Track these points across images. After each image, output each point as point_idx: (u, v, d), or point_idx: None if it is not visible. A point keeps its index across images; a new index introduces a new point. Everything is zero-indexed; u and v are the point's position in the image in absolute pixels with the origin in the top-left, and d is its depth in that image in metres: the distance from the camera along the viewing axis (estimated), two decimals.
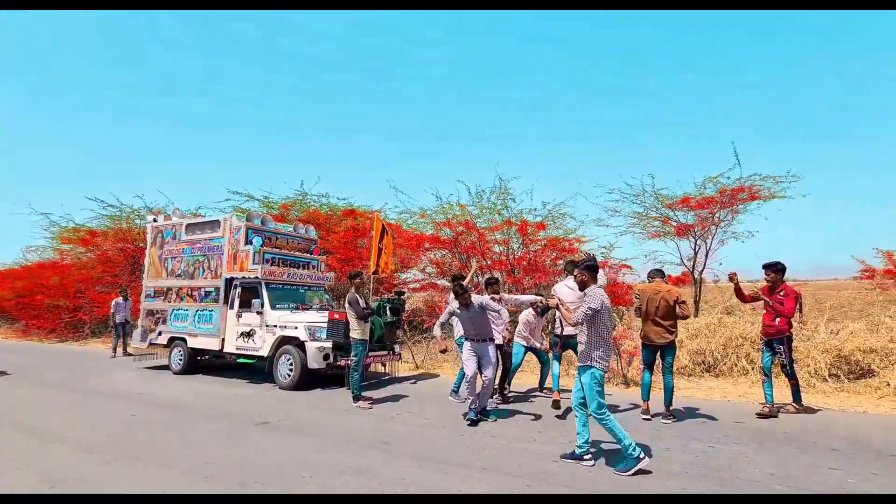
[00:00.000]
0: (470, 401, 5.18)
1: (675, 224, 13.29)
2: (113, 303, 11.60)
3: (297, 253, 8.85)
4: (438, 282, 14.36)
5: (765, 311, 5.78)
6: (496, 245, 13.42)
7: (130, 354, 10.75)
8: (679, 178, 25.62)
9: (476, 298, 5.15)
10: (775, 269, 5.63)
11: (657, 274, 5.85)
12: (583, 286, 3.96)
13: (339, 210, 15.19)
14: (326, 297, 9.10)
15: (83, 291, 16.41)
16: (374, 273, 7.61)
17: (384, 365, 7.89)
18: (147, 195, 23.64)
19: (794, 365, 5.78)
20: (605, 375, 3.82)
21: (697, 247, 13.43)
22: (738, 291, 5.79)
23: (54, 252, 19.64)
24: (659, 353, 5.47)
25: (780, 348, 5.53)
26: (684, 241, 13.60)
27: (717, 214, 12.68)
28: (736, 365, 7.82)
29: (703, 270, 13.40)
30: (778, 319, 5.54)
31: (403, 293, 7.66)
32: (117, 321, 11.45)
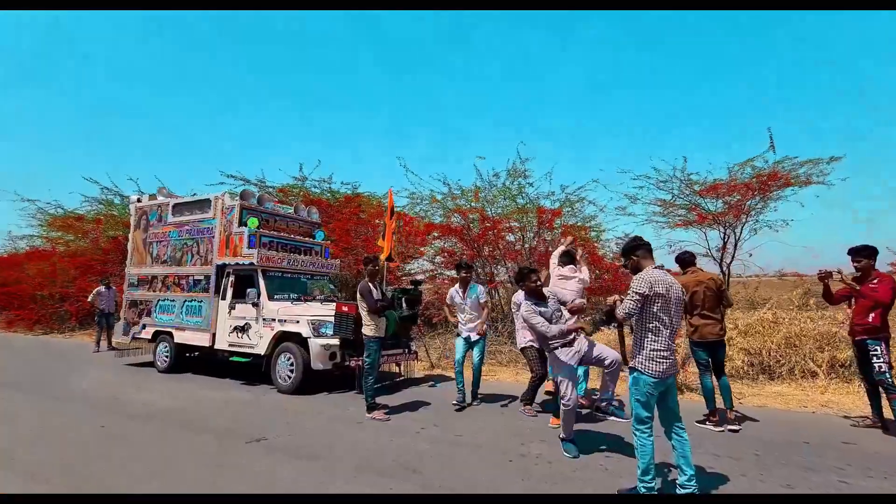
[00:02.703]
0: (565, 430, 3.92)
1: (704, 212, 12.33)
2: (94, 292, 10.60)
3: (298, 237, 7.84)
4: (448, 273, 13.40)
5: (854, 306, 4.80)
6: (509, 234, 12.48)
7: (116, 348, 9.78)
8: (711, 163, 24.33)
9: (550, 290, 4.18)
10: (865, 254, 4.56)
11: (689, 260, 5.02)
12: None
13: (341, 196, 14.16)
14: (331, 287, 8.11)
15: (71, 281, 15.45)
16: (388, 260, 6.65)
17: (398, 365, 6.92)
18: (142, 180, 22.29)
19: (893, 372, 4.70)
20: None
21: (727, 236, 12.48)
22: (828, 292, 4.74)
23: (42, 240, 18.61)
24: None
25: (875, 349, 4.43)
26: (713, 230, 12.68)
27: (749, 202, 11.71)
28: (797, 366, 6.88)
29: (731, 262, 12.47)
30: (871, 315, 4.51)
31: (421, 282, 6.69)
32: (100, 312, 10.47)
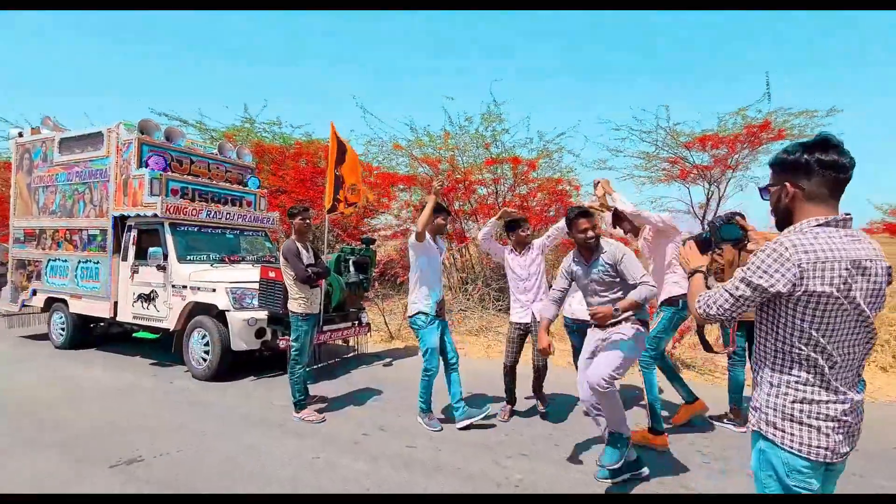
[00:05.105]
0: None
1: (688, 165, 11.41)
2: None
3: (222, 184, 6.36)
4: (413, 227, 12.17)
5: None
6: (481, 186, 11.30)
7: (12, 314, 8.11)
8: (700, 112, 23.32)
9: (609, 244, 2.75)
10: None
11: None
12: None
13: (293, 141, 12.49)
14: (269, 245, 6.76)
15: None
16: (330, 212, 5.32)
17: (346, 342, 5.76)
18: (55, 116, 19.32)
19: None
20: None
21: (710, 192, 11.68)
22: None
23: None
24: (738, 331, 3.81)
25: None
26: (696, 185, 11.85)
27: (737, 155, 10.84)
28: None
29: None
30: None
31: (373, 241, 5.47)
32: None
